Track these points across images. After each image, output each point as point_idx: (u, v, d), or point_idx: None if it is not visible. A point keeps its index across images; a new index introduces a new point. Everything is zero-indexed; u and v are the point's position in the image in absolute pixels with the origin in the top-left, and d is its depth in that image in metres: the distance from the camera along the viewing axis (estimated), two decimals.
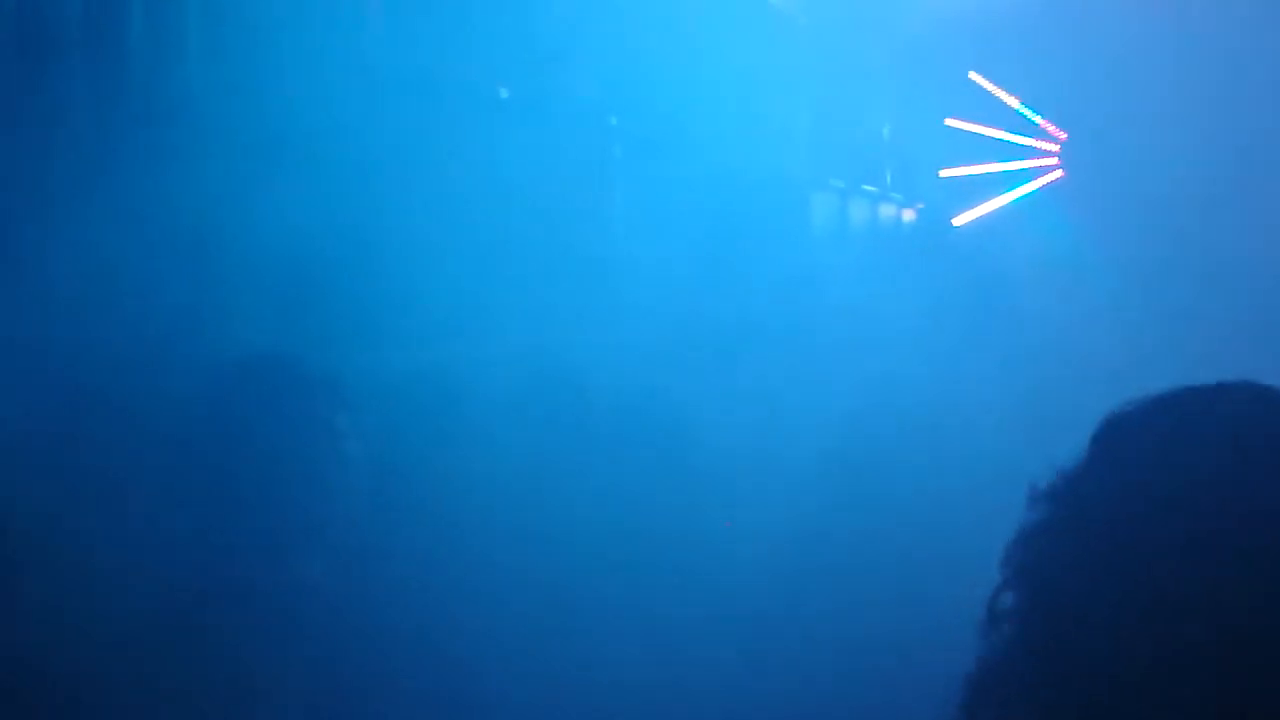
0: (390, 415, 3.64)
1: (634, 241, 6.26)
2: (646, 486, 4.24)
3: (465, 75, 5.52)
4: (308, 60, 4.54)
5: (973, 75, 8.09)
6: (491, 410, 4.04)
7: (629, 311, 5.42)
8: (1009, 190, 8.09)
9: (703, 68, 6.42)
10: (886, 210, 8.21)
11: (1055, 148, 8.18)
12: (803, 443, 4.75)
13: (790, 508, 4.45)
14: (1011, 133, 8.16)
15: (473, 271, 4.67)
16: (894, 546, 4.15)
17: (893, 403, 4.99)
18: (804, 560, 4.28)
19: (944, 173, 8.08)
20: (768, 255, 6.54)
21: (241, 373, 3.18)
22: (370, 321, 4.14)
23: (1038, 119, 8.16)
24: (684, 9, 6.41)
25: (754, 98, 6.80)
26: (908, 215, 8.28)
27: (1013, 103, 8.15)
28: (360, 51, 5.07)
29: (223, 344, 3.54)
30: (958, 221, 8.03)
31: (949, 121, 8.08)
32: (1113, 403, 1.67)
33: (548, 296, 5.07)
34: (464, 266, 4.62)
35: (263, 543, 3.01)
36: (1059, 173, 8.16)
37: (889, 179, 8.20)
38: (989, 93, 8.13)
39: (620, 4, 6.36)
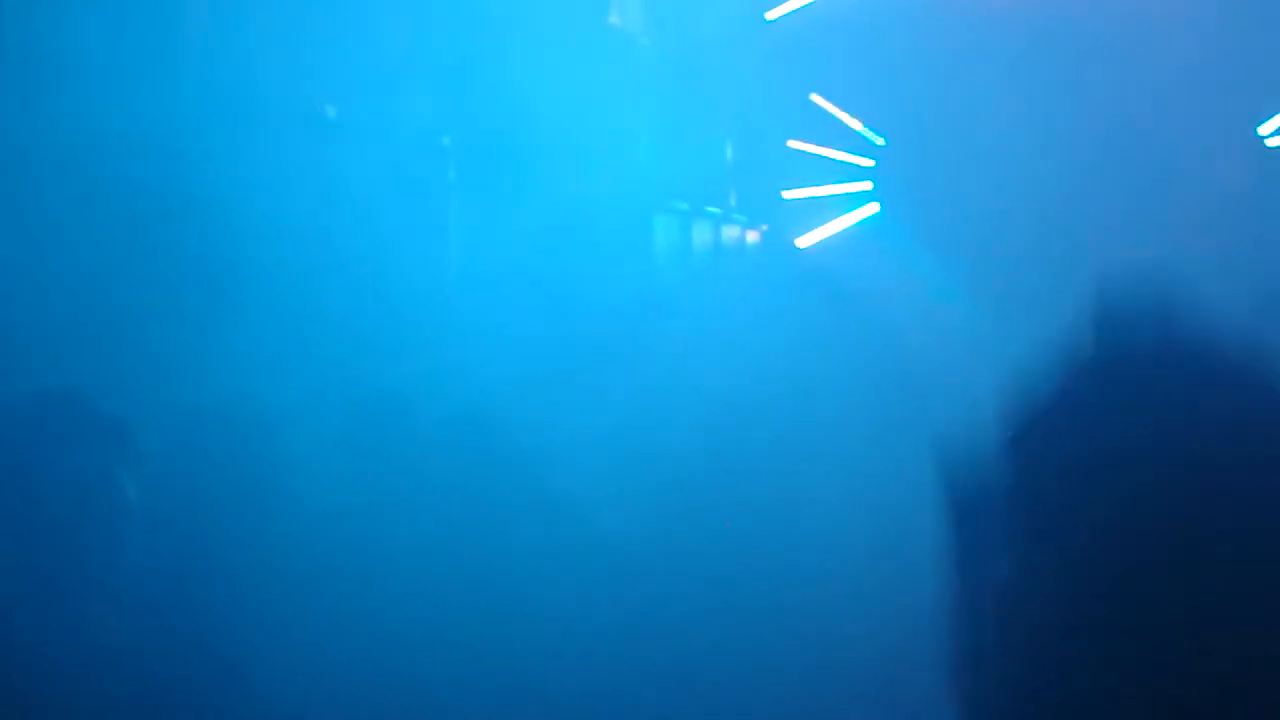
0: (195, 451, 3.47)
1: (469, 264, 6.13)
2: (480, 513, 4.12)
3: (290, 93, 5.34)
4: (124, 75, 4.35)
5: (815, 97, 8.08)
6: (304, 442, 3.86)
7: (462, 336, 5.28)
8: (851, 211, 8.08)
9: (543, 88, 6.33)
10: (730, 231, 8.20)
11: (897, 169, 8.19)
12: (645, 461, 4.69)
13: (634, 523, 4.41)
14: (854, 154, 8.16)
15: (289, 297, 4.49)
16: (741, 559, 4.17)
17: (736, 422, 4.99)
18: (648, 574, 4.26)
19: (787, 194, 8.05)
20: (610, 277, 6.47)
21: (26, 412, 3.05)
22: (175, 351, 3.96)
23: (880, 140, 8.17)
24: (523, 29, 6.32)
25: (596, 119, 6.73)
26: (751, 236, 8.27)
27: (855, 125, 8.15)
28: (181, 67, 4.87)
29: (12, 376, 3.37)
30: (801, 243, 8.01)
31: (792, 143, 8.07)
32: (957, 416, 1.65)
33: (370, 323, 4.91)
34: (280, 292, 4.45)
35: (47, 580, 2.89)
36: (900, 193, 8.18)
37: (732, 200, 8.18)
38: (831, 115, 8.13)
39: (457, 23, 6.24)
